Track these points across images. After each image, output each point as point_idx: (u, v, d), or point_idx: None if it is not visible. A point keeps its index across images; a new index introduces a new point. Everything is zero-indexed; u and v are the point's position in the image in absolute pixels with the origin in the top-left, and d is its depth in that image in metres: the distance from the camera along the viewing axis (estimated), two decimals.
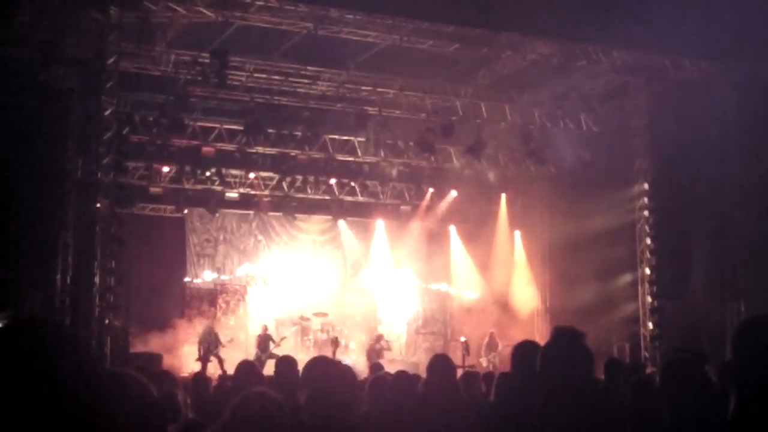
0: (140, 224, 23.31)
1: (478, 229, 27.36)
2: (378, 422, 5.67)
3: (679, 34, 17.89)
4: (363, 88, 22.27)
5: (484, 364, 22.67)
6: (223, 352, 21.08)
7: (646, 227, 21.87)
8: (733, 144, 19.59)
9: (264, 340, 21.75)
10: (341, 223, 26.55)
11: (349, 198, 25.81)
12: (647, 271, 21.71)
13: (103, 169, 17.87)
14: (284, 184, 24.59)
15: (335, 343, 22.74)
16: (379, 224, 27.01)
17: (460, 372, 10.29)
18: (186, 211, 24.79)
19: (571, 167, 23.62)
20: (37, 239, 17.72)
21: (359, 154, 24.21)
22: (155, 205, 24.37)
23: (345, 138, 23.93)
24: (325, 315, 24.66)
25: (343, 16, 18.36)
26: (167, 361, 20.28)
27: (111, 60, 17.86)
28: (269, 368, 16.20)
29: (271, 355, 20.43)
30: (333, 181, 25.08)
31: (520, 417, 4.47)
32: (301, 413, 4.14)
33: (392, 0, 18.04)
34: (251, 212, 25.76)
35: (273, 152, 23.61)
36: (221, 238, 25.84)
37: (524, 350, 5.04)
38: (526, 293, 26.28)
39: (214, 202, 24.24)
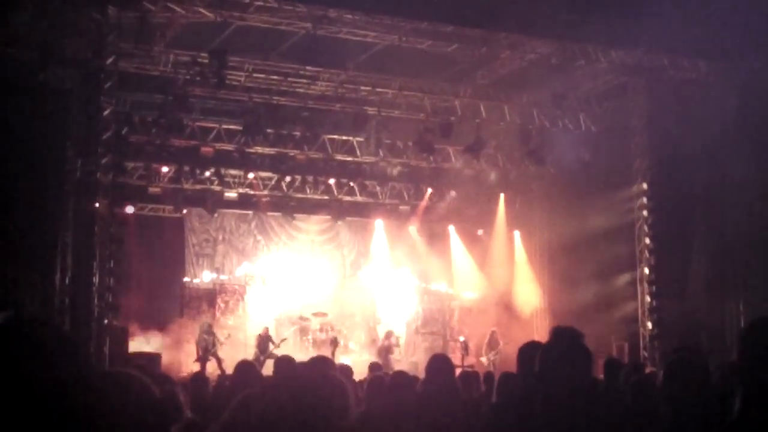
0: (139, 224, 23.32)
1: (477, 228, 27.39)
2: (376, 423, 5.66)
3: (678, 34, 17.91)
4: (362, 88, 22.27)
5: (485, 363, 22.65)
6: (222, 352, 21.08)
7: (645, 227, 21.87)
8: (732, 144, 19.58)
9: (264, 341, 21.75)
10: (340, 223, 26.57)
11: (348, 198, 25.82)
12: (646, 270, 21.70)
13: (102, 169, 17.88)
14: (283, 184, 24.60)
15: (334, 343, 22.76)
16: (378, 224, 27.03)
17: (459, 372, 10.31)
18: (185, 211, 24.79)
19: (570, 167, 23.61)
20: (36, 239, 17.69)
21: (358, 154, 24.21)
22: (154, 205, 24.38)
23: (344, 138, 23.93)
24: (324, 315, 24.67)
25: (342, 16, 18.37)
26: (166, 361, 20.30)
27: (110, 60, 17.87)
28: (268, 368, 16.24)
29: (270, 356, 20.43)
30: (332, 181, 25.10)
31: (522, 418, 4.47)
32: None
33: (391, 0, 18.04)
34: (250, 212, 25.77)
35: (272, 152, 23.61)
36: (220, 237, 25.84)
37: (528, 351, 5.04)
38: (526, 293, 26.28)
39: (212, 202, 24.25)
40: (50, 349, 2.09)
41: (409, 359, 23.98)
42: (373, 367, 12.47)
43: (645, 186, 22.02)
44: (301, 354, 17.67)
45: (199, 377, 10.22)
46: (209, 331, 21.50)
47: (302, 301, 24.89)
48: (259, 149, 23.38)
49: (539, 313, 25.91)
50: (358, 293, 25.92)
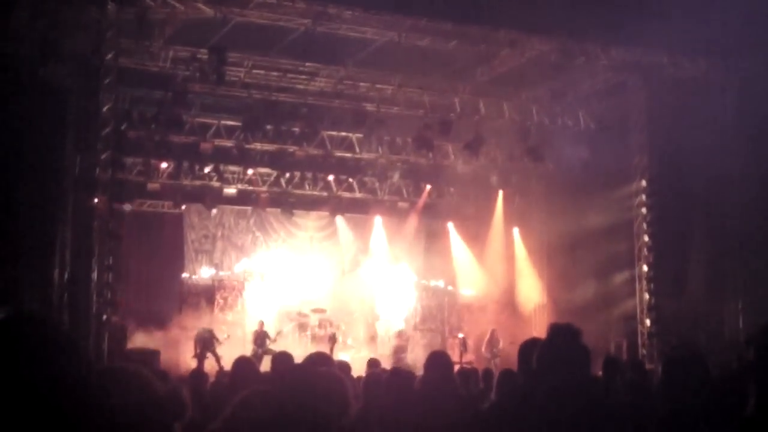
0: (138, 220, 23.32)
1: (475, 225, 27.38)
2: (374, 420, 5.66)
3: (678, 32, 17.89)
4: (361, 84, 22.27)
5: (489, 357, 22.43)
6: (220, 348, 21.08)
7: (644, 225, 21.88)
8: (730, 141, 19.58)
9: (260, 336, 21.75)
10: (339, 219, 26.56)
11: (347, 194, 25.81)
12: (645, 268, 21.72)
13: (101, 165, 17.87)
14: (282, 181, 24.61)
15: (333, 339, 22.79)
16: (377, 220, 27.03)
17: (457, 369, 10.31)
18: (184, 207, 24.77)
19: (569, 165, 23.61)
20: (35, 235, 17.68)
21: (357, 150, 24.22)
22: (153, 201, 24.36)
23: (343, 134, 23.95)
24: (322, 311, 24.68)
25: (341, 12, 18.36)
26: (165, 357, 20.28)
27: (109, 56, 17.87)
28: (267, 364, 16.23)
29: (267, 351, 20.43)
30: (331, 177, 25.10)
31: (521, 414, 4.48)
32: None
33: None
34: (249, 208, 25.75)
35: (271, 148, 23.60)
36: (219, 234, 25.83)
37: (529, 348, 5.04)
38: (527, 290, 26.29)
39: (211, 198, 24.23)
40: (50, 345, 2.09)
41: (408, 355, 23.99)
42: (371, 363, 12.46)
43: (644, 183, 22.04)
44: (300, 350, 17.63)
45: (198, 374, 10.22)
46: (207, 327, 21.52)
47: (301, 297, 24.91)
48: (258, 145, 23.37)
49: (538, 311, 25.91)
50: (357, 290, 25.94)
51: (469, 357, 22.61)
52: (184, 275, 24.80)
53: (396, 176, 25.52)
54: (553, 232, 24.99)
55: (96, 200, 17.81)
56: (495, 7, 17.75)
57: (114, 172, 18.40)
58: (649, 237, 21.72)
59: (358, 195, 26.03)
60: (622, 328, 22.01)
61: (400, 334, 24.25)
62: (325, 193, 25.47)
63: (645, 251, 21.76)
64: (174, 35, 19.41)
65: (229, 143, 22.89)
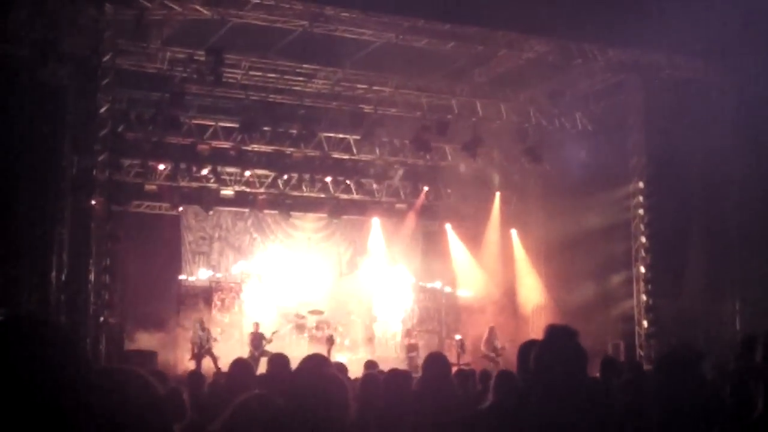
0: (135, 221, 23.28)
1: (473, 227, 27.37)
2: (372, 421, 5.66)
3: (675, 32, 17.93)
4: (358, 86, 22.28)
5: (488, 354, 22.35)
6: (218, 350, 21.03)
7: (642, 225, 21.89)
8: (728, 142, 19.61)
9: (257, 338, 21.73)
10: (336, 221, 26.53)
11: (344, 196, 25.78)
12: (642, 269, 21.73)
13: (98, 166, 17.86)
14: (279, 182, 24.60)
15: (330, 341, 22.77)
16: (375, 222, 27.00)
17: (455, 370, 10.31)
18: (181, 209, 24.72)
19: (566, 165, 23.63)
20: (33, 236, 17.69)
21: (355, 152, 24.22)
22: (150, 202, 24.33)
23: (340, 136, 23.95)
24: (320, 312, 24.66)
25: (339, 13, 18.37)
26: (162, 359, 20.27)
27: (107, 57, 17.87)
28: (264, 365, 16.22)
29: (264, 353, 20.40)
30: (328, 178, 25.07)
31: (518, 416, 4.48)
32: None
33: None
34: (246, 210, 25.70)
35: (268, 150, 23.60)
36: (216, 235, 25.77)
37: (528, 349, 5.05)
38: (525, 291, 26.28)
39: (209, 200, 24.19)
40: (49, 346, 2.09)
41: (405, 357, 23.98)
42: (368, 365, 12.47)
43: (641, 184, 22.05)
44: (298, 352, 17.61)
45: (196, 375, 10.22)
46: (203, 327, 21.48)
47: (298, 298, 24.88)
48: (256, 147, 23.36)
49: (537, 311, 25.89)
50: (355, 291, 25.93)
51: (466, 359, 22.59)
52: (182, 276, 24.76)
53: (397, 177, 25.54)
54: (551, 233, 24.99)
55: (93, 201, 17.80)
56: (492, 8, 17.77)
57: (111, 173, 18.39)
58: (647, 238, 21.73)
59: (355, 196, 26.00)
60: (619, 328, 22.01)
61: (408, 333, 24.29)
62: (322, 195, 25.45)
63: (642, 252, 21.77)
64: (171, 36, 19.41)
65: (226, 144, 22.89)
